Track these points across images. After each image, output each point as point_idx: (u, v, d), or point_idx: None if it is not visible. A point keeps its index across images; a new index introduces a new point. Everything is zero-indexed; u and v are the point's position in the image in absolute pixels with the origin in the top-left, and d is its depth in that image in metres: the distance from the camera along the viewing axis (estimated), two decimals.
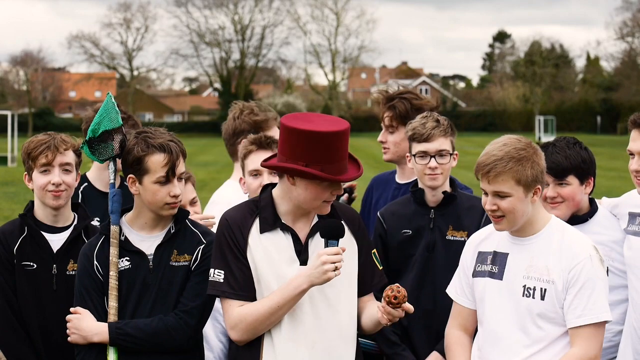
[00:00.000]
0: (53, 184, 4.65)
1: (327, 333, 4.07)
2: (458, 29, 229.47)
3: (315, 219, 4.12)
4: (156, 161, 4.26)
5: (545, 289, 3.99)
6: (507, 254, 4.11)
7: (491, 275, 4.10)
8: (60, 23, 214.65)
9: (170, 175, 4.27)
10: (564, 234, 4.07)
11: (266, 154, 4.52)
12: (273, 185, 4.18)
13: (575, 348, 3.96)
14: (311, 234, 4.10)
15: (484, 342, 4.15)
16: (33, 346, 4.58)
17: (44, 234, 4.66)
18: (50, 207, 4.68)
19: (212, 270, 4.10)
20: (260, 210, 4.09)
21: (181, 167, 4.32)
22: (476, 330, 4.28)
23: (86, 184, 5.45)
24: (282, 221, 4.08)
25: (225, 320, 4.11)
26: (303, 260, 4.04)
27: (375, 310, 4.07)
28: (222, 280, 4.06)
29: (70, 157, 4.68)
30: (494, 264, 4.10)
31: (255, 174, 4.98)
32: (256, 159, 4.86)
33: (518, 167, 3.97)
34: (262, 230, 4.06)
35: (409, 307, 3.91)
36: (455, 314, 4.33)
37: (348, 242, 4.14)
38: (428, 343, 4.81)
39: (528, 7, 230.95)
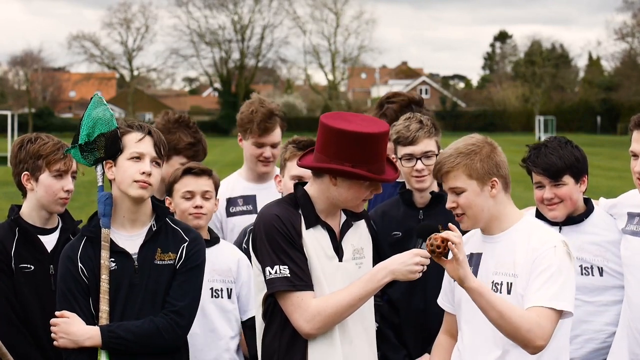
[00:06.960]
0: (66, 190, 4.63)
1: (361, 327, 4.10)
2: (438, 28, 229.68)
3: (344, 217, 4.13)
4: (132, 138, 4.22)
5: (511, 283, 3.96)
6: (481, 253, 4.11)
7: None
8: (36, 22, 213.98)
9: (143, 153, 4.20)
10: (533, 229, 4.05)
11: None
12: (303, 183, 4.17)
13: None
14: (343, 231, 4.10)
15: (461, 343, 4.16)
16: (41, 348, 4.56)
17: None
18: (49, 212, 4.66)
19: (269, 268, 3.94)
20: (301, 208, 4.06)
21: (153, 152, 4.23)
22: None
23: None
24: (321, 218, 4.08)
25: (299, 313, 3.93)
26: (340, 257, 4.05)
27: None
28: (289, 275, 3.92)
29: (75, 164, 4.67)
30: (470, 265, 4.07)
31: (299, 178, 4.81)
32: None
33: (466, 160, 3.99)
34: (307, 227, 4.03)
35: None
36: (444, 320, 4.36)
37: (366, 240, 4.20)
38: (421, 342, 4.82)
39: (506, 6, 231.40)
